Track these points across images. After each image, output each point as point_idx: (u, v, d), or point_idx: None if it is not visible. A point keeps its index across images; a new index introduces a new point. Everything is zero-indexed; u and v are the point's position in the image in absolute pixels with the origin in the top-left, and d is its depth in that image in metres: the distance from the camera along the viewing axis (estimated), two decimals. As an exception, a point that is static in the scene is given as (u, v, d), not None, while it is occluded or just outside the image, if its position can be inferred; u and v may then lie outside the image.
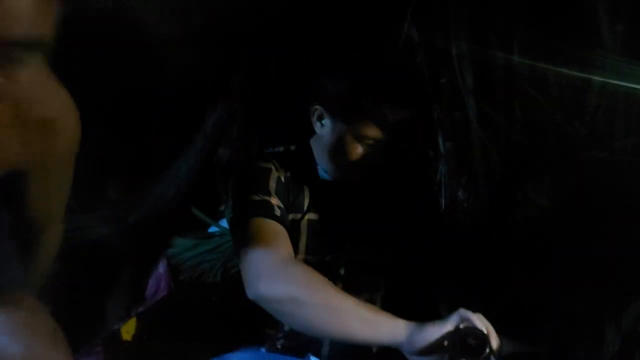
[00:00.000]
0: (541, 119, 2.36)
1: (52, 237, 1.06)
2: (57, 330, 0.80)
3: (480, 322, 1.08)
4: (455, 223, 2.44)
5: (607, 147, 1.97)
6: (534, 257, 2.04)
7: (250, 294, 1.14)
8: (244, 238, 1.23)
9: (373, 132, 1.32)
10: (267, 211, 1.28)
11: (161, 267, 2.07)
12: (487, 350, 1.05)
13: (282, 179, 1.35)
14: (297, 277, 1.14)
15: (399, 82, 1.34)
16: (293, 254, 1.25)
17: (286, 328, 1.35)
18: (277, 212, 1.28)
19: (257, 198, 1.29)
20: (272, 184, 1.33)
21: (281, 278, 1.15)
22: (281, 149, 1.45)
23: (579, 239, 2.03)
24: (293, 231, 1.33)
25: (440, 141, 2.51)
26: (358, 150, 1.33)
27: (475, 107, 2.39)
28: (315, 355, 1.33)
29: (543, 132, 2.39)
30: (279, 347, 1.36)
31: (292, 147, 1.46)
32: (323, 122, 1.38)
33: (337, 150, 1.36)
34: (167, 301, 1.98)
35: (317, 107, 1.37)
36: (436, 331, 1.07)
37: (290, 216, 1.35)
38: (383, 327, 1.10)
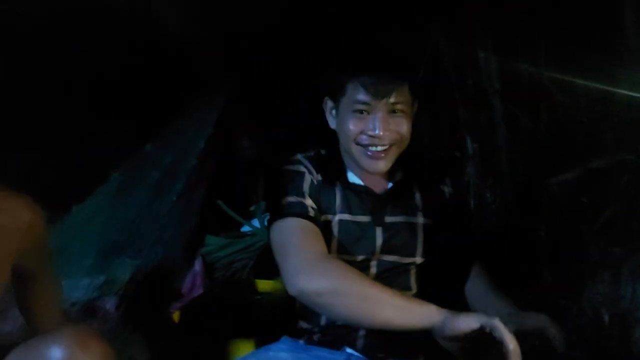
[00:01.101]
0: (567, 121, 2.38)
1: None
2: None
3: (505, 335, 1.11)
4: (483, 223, 2.48)
5: (633, 149, 1.99)
6: (559, 257, 2.06)
7: (291, 289, 1.19)
8: (281, 237, 1.29)
9: (363, 95, 1.32)
10: (302, 211, 1.32)
11: (197, 265, 2.13)
12: None
13: (315, 182, 1.40)
14: (334, 271, 1.18)
15: (379, 50, 1.37)
16: (327, 251, 1.30)
17: (322, 323, 1.40)
18: (311, 213, 1.32)
19: (292, 200, 1.34)
20: (306, 187, 1.37)
21: (319, 273, 1.19)
22: (312, 153, 1.49)
23: (604, 240, 2.06)
24: (325, 231, 1.38)
25: (468, 142, 2.54)
26: (357, 125, 1.35)
27: (502, 108, 2.42)
28: (351, 347, 1.39)
29: (569, 134, 2.42)
30: (316, 340, 1.41)
31: (323, 152, 1.50)
32: (333, 112, 1.42)
33: (343, 130, 1.38)
34: (203, 298, 2.05)
35: (326, 99, 1.42)
36: (466, 323, 1.12)
37: (322, 217, 1.39)
38: (417, 312, 1.15)
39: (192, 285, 2.11)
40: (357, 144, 1.37)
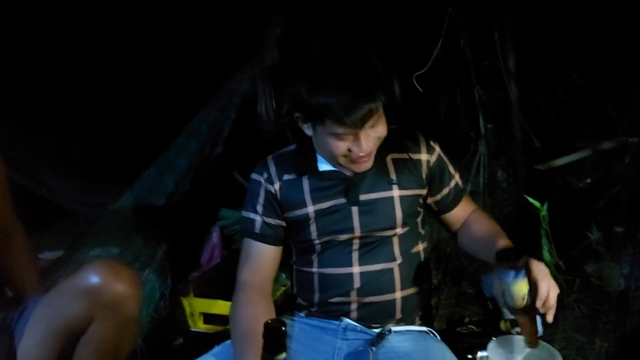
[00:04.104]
0: (582, 102, 2.41)
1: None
2: None
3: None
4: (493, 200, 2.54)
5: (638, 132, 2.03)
6: (568, 237, 2.10)
7: None
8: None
9: (341, 129, 1.31)
10: (250, 230, 1.45)
11: (215, 237, 2.24)
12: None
13: (274, 189, 1.45)
14: (235, 303, 1.39)
15: (346, 78, 1.30)
16: (251, 277, 1.42)
17: (315, 300, 1.48)
18: (257, 229, 1.44)
19: (245, 215, 1.47)
20: (260, 200, 1.45)
21: (233, 299, 1.40)
22: (285, 150, 1.50)
23: (607, 218, 2.11)
24: (300, 223, 1.44)
25: (481, 122, 2.59)
26: (340, 147, 1.35)
27: (516, 89, 2.45)
28: (348, 318, 1.46)
29: (583, 116, 2.44)
30: (315, 312, 1.48)
31: (293, 147, 1.51)
32: (306, 125, 1.40)
33: (325, 149, 1.39)
34: (219, 267, 2.16)
35: (296, 114, 1.40)
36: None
37: (297, 211, 1.44)
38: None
39: (211, 256, 2.22)
40: (342, 156, 1.38)
